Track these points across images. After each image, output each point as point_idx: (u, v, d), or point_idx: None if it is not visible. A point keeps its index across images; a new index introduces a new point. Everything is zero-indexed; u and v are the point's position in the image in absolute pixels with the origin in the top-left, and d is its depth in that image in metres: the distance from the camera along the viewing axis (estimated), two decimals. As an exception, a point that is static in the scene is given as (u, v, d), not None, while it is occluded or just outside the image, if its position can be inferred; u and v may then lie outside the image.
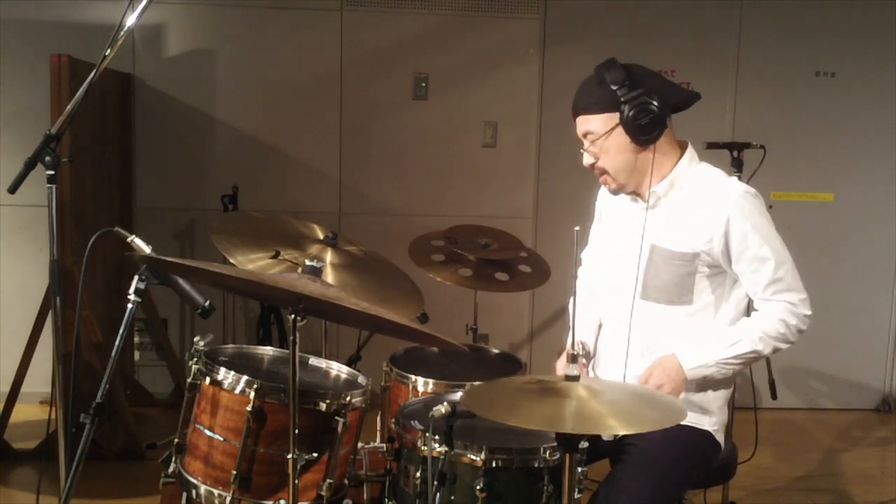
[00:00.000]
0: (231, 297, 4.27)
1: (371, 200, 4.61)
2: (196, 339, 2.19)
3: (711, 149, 3.01)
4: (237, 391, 2.04)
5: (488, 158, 4.65)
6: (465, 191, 4.64)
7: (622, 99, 2.11)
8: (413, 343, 2.77)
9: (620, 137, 2.16)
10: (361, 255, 2.94)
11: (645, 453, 2.12)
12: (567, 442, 1.67)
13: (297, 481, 1.93)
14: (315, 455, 2.05)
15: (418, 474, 1.98)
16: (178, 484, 2.17)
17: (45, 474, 3.21)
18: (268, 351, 2.45)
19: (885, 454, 4.37)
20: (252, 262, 2.55)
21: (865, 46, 4.67)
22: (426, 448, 1.93)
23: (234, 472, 2.01)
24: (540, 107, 4.62)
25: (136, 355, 4.58)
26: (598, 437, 2.08)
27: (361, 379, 2.28)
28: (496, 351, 3.00)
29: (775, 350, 2.17)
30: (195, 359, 2.14)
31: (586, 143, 2.21)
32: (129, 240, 2.15)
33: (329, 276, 2.65)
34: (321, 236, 2.88)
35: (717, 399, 2.26)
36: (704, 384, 2.22)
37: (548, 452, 1.94)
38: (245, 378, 2.04)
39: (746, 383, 3.54)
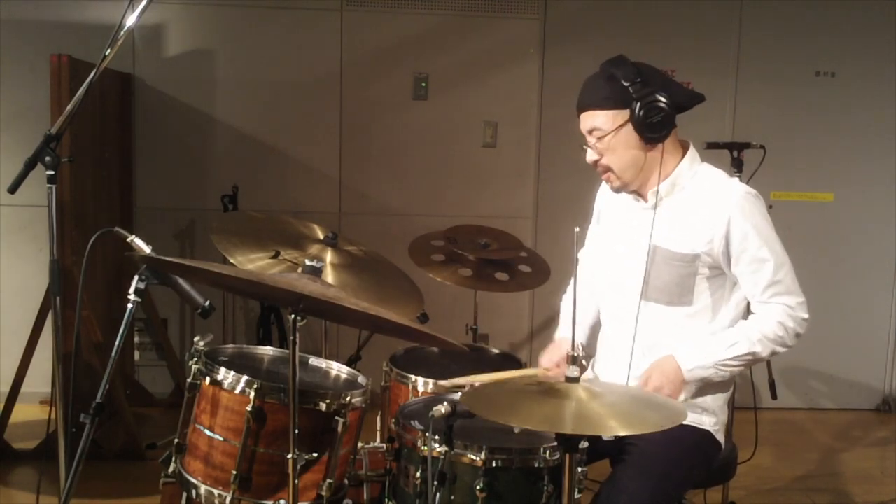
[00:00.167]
0: (231, 297, 4.27)
1: (371, 200, 4.61)
2: (196, 339, 2.19)
3: (711, 149, 3.01)
4: (237, 391, 2.04)
5: (488, 158, 4.65)
6: (465, 191, 4.64)
7: (634, 96, 2.09)
8: (413, 343, 2.77)
9: (629, 135, 2.14)
10: (361, 255, 2.94)
11: (645, 453, 2.12)
12: (567, 442, 1.67)
13: (297, 481, 1.93)
14: (315, 455, 2.05)
15: (418, 474, 1.98)
16: (178, 484, 2.17)
17: (45, 474, 3.21)
18: (268, 351, 2.45)
19: (885, 454, 4.37)
20: (252, 262, 2.55)
21: (865, 46, 4.68)
22: (426, 448, 1.93)
23: (234, 472, 2.01)
24: (540, 107, 4.62)
25: (136, 355, 4.58)
26: (599, 437, 2.08)
27: (361, 379, 2.28)
28: (496, 351, 3.00)
29: (773, 353, 2.17)
30: (195, 359, 2.14)
31: (592, 140, 2.19)
32: (129, 240, 2.15)
33: (329, 276, 2.65)
34: (321, 236, 2.88)
35: (717, 399, 2.26)
36: (704, 385, 2.22)
37: (548, 452, 1.94)
38: (245, 378, 2.04)
39: (746, 383, 3.54)
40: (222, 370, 2.08)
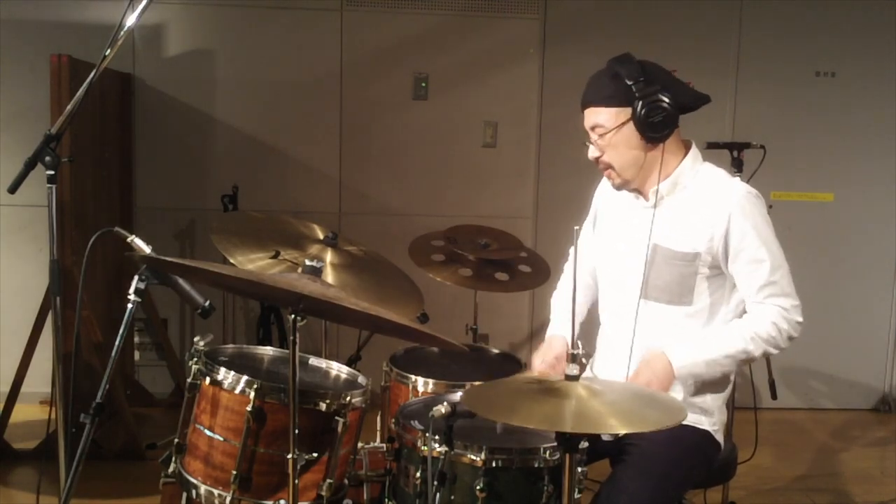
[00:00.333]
0: (231, 297, 4.27)
1: (371, 200, 4.61)
2: (196, 339, 2.19)
3: (711, 149, 3.01)
4: (237, 391, 2.04)
5: (488, 158, 4.65)
6: (465, 191, 4.64)
7: (637, 94, 2.10)
8: (413, 343, 2.77)
9: (630, 133, 2.14)
10: (361, 255, 2.94)
11: (645, 453, 2.12)
12: (567, 442, 1.67)
13: (297, 481, 1.93)
14: (315, 455, 2.05)
15: (418, 474, 1.98)
16: (178, 484, 2.17)
17: (45, 474, 3.21)
18: (268, 351, 2.45)
19: (885, 454, 4.37)
20: (252, 262, 2.55)
21: (865, 46, 4.68)
22: (426, 448, 1.93)
23: (234, 472, 2.01)
24: (540, 107, 4.62)
25: (136, 355, 4.58)
26: (598, 436, 2.08)
27: (361, 379, 2.28)
28: (496, 351, 3.00)
29: (765, 354, 2.16)
30: (195, 359, 2.14)
31: (594, 137, 2.19)
32: (129, 240, 2.15)
33: (329, 276, 2.65)
34: (321, 236, 2.88)
35: (716, 399, 2.26)
36: (702, 385, 2.22)
37: (548, 452, 1.94)
38: (245, 378, 2.04)
39: (746, 383, 3.54)
40: (222, 370, 2.08)
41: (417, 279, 3.07)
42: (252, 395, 2.01)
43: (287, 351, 2.04)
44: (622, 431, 1.64)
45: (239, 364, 2.25)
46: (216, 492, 2.04)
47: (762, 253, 2.12)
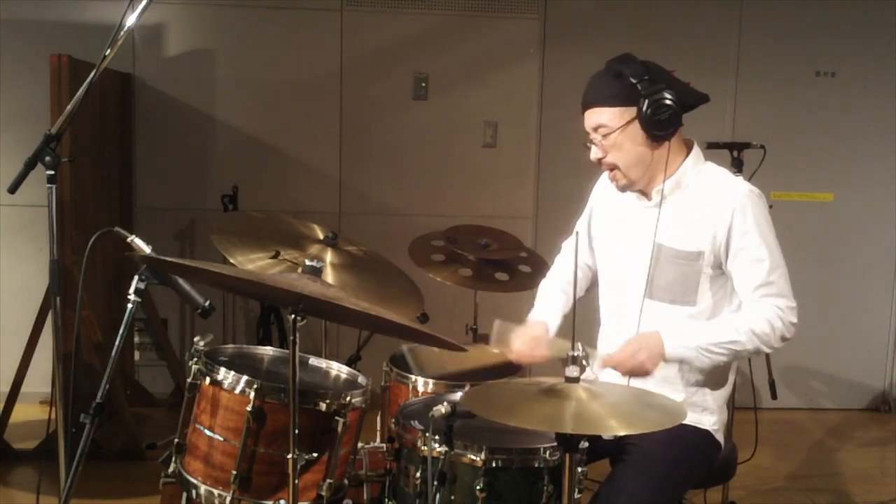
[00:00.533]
0: (231, 297, 4.27)
1: (371, 200, 4.61)
2: (196, 339, 2.19)
3: (711, 149, 3.01)
4: (237, 391, 2.04)
5: (488, 158, 4.65)
6: (465, 191, 4.64)
7: (642, 93, 2.09)
8: (413, 343, 2.77)
9: (635, 132, 2.13)
10: (361, 255, 2.94)
11: (646, 453, 2.12)
12: (567, 442, 1.67)
13: (297, 481, 1.93)
14: (315, 455, 2.05)
15: (418, 474, 1.98)
16: (178, 484, 2.17)
17: (45, 474, 3.21)
18: (268, 351, 2.45)
19: (885, 454, 4.37)
20: (252, 262, 2.55)
21: (865, 46, 4.68)
22: (426, 448, 1.93)
23: (234, 472, 2.01)
24: (540, 107, 4.62)
25: (136, 355, 4.58)
26: (599, 436, 2.08)
27: (361, 379, 2.28)
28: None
29: (756, 350, 2.15)
30: (195, 359, 2.14)
31: (597, 137, 2.18)
32: (129, 240, 2.15)
33: (329, 276, 2.65)
34: (321, 236, 2.88)
35: (716, 398, 2.26)
36: (702, 382, 2.22)
37: (548, 452, 1.94)
38: (245, 378, 2.04)
39: (746, 383, 3.54)
40: (222, 370, 2.08)
41: (417, 279, 3.07)
42: (252, 395, 2.01)
43: (287, 351, 2.04)
44: (622, 433, 1.63)
45: (239, 364, 2.25)
46: (216, 492, 2.04)
47: (762, 252, 2.12)
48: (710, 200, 2.17)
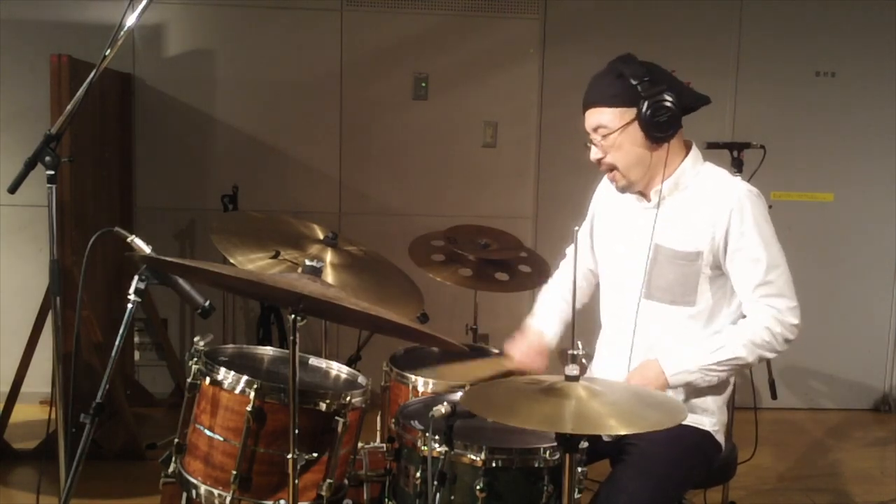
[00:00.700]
0: (231, 297, 4.27)
1: (371, 200, 4.61)
2: (196, 339, 2.19)
3: (711, 149, 3.01)
4: (237, 391, 2.04)
5: (488, 158, 4.65)
6: (465, 191, 4.64)
7: (642, 94, 2.09)
8: (413, 343, 2.77)
9: (635, 133, 2.13)
10: (361, 255, 2.94)
11: (645, 454, 2.12)
12: (567, 442, 1.67)
13: (297, 481, 1.93)
14: (315, 455, 2.05)
15: (418, 474, 1.98)
16: (178, 484, 2.17)
17: (45, 474, 3.21)
18: (268, 351, 2.45)
19: (885, 454, 4.37)
20: (252, 262, 2.55)
21: (865, 46, 4.68)
22: (426, 448, 1.93)
23: (234, 472, 2.01)
24: (540, 107, 4.62)
25: (136, 355, 4.58)
26: (599, 436, 2.08)
27: (361, 379, 2.28)
28: (496, 351, 2.99)
29: (761, 358, 2.15)
30: (195, 359, 2.14)
31: (596, 138, 2.18)
32: (129, 240, 2.15)
33: (329, 276, 2.65)
34: (321, 236, 2.88)
35: (717, 399, 2.25)
36: (702, 387, 2.22)
37: (548, 452, 1.94)
38: (245, 378, 2.04)
39: (746, 383, 3.54)
40: (222, 370, 2.08)
41: (417, 279, 3.07)
42: (252, 395, 2.01)
43: (287, 351, 2.04)
44: (622, 432, 1.63)
45: (239, 364, 2.25)
46: (216, 492, 2.04)
47: (759, 252, 2.12)
48: (708, 201, 2.17)
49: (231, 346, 2.41)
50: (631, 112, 2.12)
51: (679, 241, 2.18)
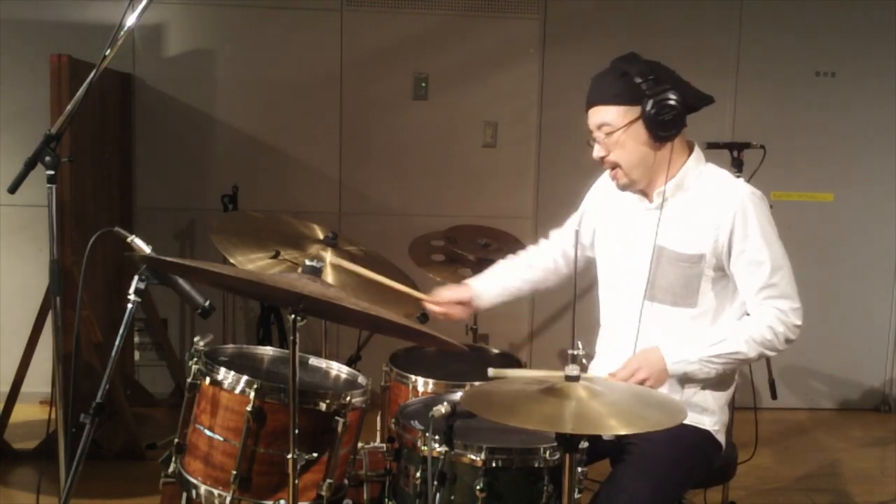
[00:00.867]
0: (231, 297, 4.27)
1: (371, 200, 4.61)
2: (196, 339, 2.19)
3: (711, 149, 3.01)
4: (237, 391, 2.04)
5: (488, 158, 4.65)
6: (465, 191, 4.64)
7: (647, 93, 2.08)
8: (413, 343, 2.77)
9: (638, 132, 2.13)
10: (361, 255, 2.94)
11: (646, 453, 2.12)
12: (567, 442, 1.67)
13: (297, 481, 1.93)
14: (315, 455, 2.05)
15: (418, 474, 1.98)
16: (178, 484, 2.17)
17: (45, 474, 3.21)
18: (268, 351, 2.45)
19: (885, 454, 4.37)
20: (252, 263, 2.55)
21: (865, 46, 4.68)
22: (426, 448, 1.93)
23: (234, 472, 2.01)
24: (540, 107, 4.62)
25: (136, 355, 4.58)
26: (599, 436, 2.08)
27: (361, 379, 2.28)
28: (496, 351, 3.00)
29: (761, 356, 2.16)
30: (195, 359, 2.14)
31: (600, 136, 2.17)
32: (129, 240, 2.15)
33: (329, 276, 2.65)
34: (321, 236, 2.88)
35: (717, 399, 2.25)
36: (702, 384, 2.22)
37: (548, 452, 1.94)
38: (245, 378, 2.04)
39: (746, 383, 3.54)
40: (222, 370, 2.08)
41: (417, 279, 3.06)
42: (252, 395, 2.01)
43: (287, 351, 2.04)
44: (622, 432, 1.63)
45: (239, 364, 2.25)
46: (216, 492, 2.04)
47: (763, 254, 2.12)
48: (711, 203, 2.17)
49: (231, 346, 2.41)
50: (635, 110, 2.12)
51: (682, 243, 2.18)
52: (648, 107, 2.09)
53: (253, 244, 2.63)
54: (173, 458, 2.17)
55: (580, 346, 1.73)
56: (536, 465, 1.95)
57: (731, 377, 2.30)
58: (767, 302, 2.13)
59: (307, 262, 1.98)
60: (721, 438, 2.27)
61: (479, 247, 3.40)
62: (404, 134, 4.60)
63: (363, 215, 4.59)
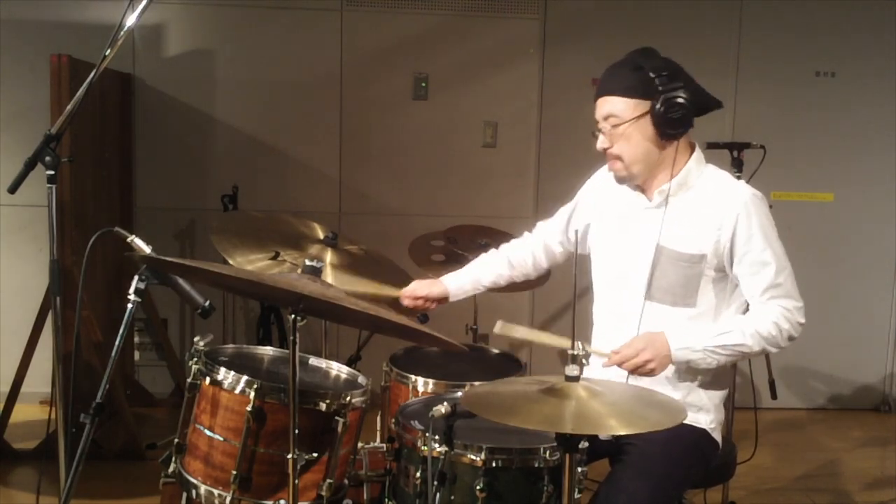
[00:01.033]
0: (231, 297, 4.27)
1: (371, 200, 4.61)
2: (196, 339, 2.19)
3: (711, 149, 3.01)
4: (237, 391, 2.04)
5: (488, 158, 4.65)
6: (465, 191, 4.64)
7: (659, 89, 2.08)
8: (413, 343, 2.77)
9: (646, 127, 2.13)
10: (361, 254, 2.94)
11: (644, 453, 2.12)
12: (567, 442, 1.67)
13: (297, 481, 1.93)
14: (315, 455, 2.05)
15: (418, 474, 1.98)
16: (178, 484, 2.17)
17: (45, 474, 3.21)
18: (268, 351, 2.45)
19: (885, 454, 4.37)
20: (251, 264, 2.55)
21: (865, 46, 4.68)
22: (426, 448, 1.93)
23: (234, 472, 2.01)
24: (540, 107, 4.62)
25: (136, 355, 4.58)
26: (597, 436, 2.08)
27: (361, 379, 2.28)
28: (496, 351, 3.00)
29: (763, 351, 2.16)
30: (195, 359, 2.14)
31: (606, 127, 2.17)
32: (129, 240, 2.15)
33: (329, 276, 2.65)
34: (321, 236, 2.88)
35: (713, 397, 2.26)
36: (699, 384, 2.22)
37: (548, 452, 1.94)
38: (245, 378, 2.04)
39: (746, 383, 3.54)
40: (222, 370, 2.08)
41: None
42: (252, 395, 2.01)
43: (287, 351, 2.04)
44: (622, 432, 1.63)
45: (239, 364, 2.25)
46: (216, 492, 2.04)
47: (767, 255, 2.12)
48: (712, 203, 2.17)
49: (231, 346, 2.41)
50: (645, 105, 2.11)
51: (682, 243, 2.18)
52: (659, 103, 2.09)
53: (253, 244, 2.63)
54: (173, 458, 2.17)
55: (580, 346, 1.72)
56: (536, 465, 1.95)
57: (727, 376, 2.31)
58: (773, 301, 2.13)
59: (307, 262, 1.98)
60: (717, 437, 2.27)
61: (479, 247, 3.39)
62: (404, 134, 4.60)
63: (363, 215, 4.59)
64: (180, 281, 2.10)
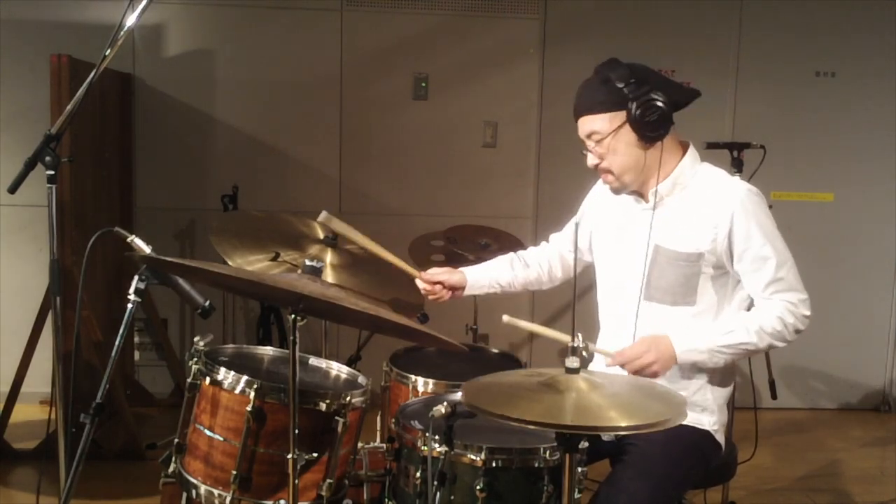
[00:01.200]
0: (231, 297, 4.27)
1: (371, 200, 4.61)
2: (196, 339, 2.19)
3: (711, 149, 3.01)
4: (237, 391, 2.04)
5: (488, 158, 4.65)
6: (465, 191, 4.64)
7: (629, 96, 2.10)
8: (413, 343, 2.77)
9: (627, 135, 2.14)
10: (361, 254, 2.94)
11: (645, 453, 2.12)
12: (567, 442, 1.67)
13: (297, 481, 1.93)
14: (315, 455, 2.05)
15: (418, 474, 1.98)
16: (178, 484, 2.17)
17: (45, 474, 3.21)
18: (268, 351, 2.45)
19: (885, 454, 4.37)
20: (251, 265, 2.54)
21: (865, 46, 4.68)
22: (426, 448, 1.93)
23: (234, 472, 2.01)
24: (540, 107, 4.62)
25: (136, 355, 4.58)
26: (598, 436, 2.08)
27: (361, 379, 2.28)
28: (496, 351, 3.00)
29: (770, 346, 2.16)
30: (195, 359, 2.14)
31: (591, 144, 2.19)
32: (129, 240, 2.15)
33: (329, 276, 2.65)
34: (321, 236, 2.88)
35: (717, 398, 2.26)
36: (703, 384, 2.22)
37: (548, 452, 1.94)
38: (245, 378, 2.04)
39: (746, 383, 3.54)
40: (222, 370, 2.08)
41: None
42: (252, 395, 2.01)
43: (287, 351, 2.04)
44: (622, 424, 1.63)
45: (239, 364, 2.25)
46: (216, 492, 2.04)
47: (767, 250, 2.13)
48: (708, 201, 2.17)
49: (231, 346, 2.41)
50: (621, 115, 2.13)
51: (679, 242, 2.18)
52: (633, 109, 2.10)
53: (252, 245, 2.63)
54: (173, 458, 2.17)
55: (580, 338, 1.72)
56: (536, 465, 1.95)
57: (730, 376, 2.31)
58: (776, 296, 2.13)
59: (307, 262, 1.98)
60: (720, 438, 2.27)
61: (479, 247, 3.40)
62: (404, 134, 4.60)
63: (363, 215, 4.58)
64: (180, 281, 2.10)
